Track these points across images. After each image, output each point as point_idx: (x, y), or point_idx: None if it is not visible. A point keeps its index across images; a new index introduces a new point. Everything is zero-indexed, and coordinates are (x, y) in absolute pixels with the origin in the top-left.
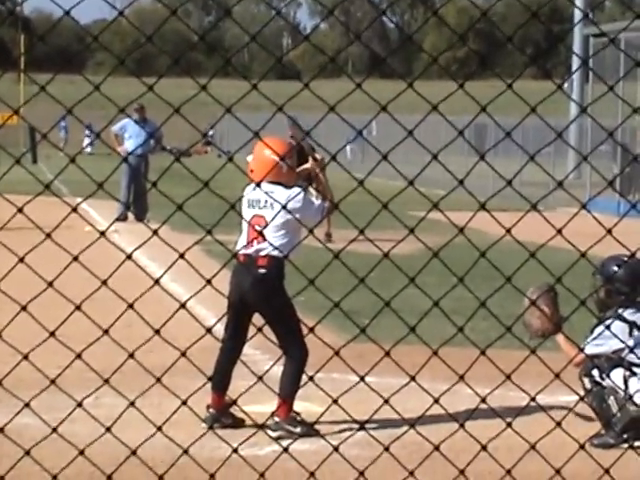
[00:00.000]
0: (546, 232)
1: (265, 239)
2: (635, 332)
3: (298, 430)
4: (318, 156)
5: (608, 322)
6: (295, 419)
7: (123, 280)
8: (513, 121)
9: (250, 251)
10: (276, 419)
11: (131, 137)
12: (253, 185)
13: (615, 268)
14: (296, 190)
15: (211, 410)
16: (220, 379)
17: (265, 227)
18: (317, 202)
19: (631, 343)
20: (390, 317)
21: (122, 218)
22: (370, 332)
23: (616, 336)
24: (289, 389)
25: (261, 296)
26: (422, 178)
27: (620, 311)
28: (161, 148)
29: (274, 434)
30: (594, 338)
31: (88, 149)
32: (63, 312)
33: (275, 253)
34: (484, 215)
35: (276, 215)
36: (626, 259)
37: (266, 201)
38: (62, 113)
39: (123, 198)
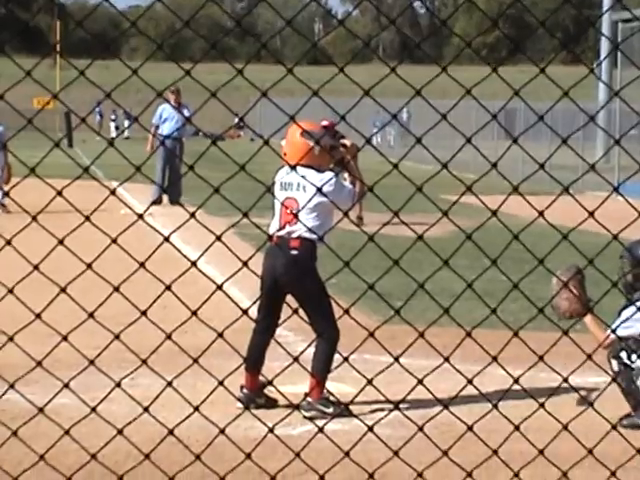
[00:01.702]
0: (575, 215)
1: (297, 221)
2: None
3: (331, 410)
4: (347, 142)
5: (637, 305)
6: (328, 399)
7: (159, 262)
8: (542, 105)
9: (282, 233)
10: (309, 399)
11: (166, 120)
12: (286, 168)
13: None
14: (328, 174)
15: (245, 390)
16: (254, 360)
17: (298, 210)
18: (349, 187)
19: None
20: (421, 299)
21: (157, 201)
22: (402, 314)
23: None
24: (321, 370)
25: (293, 277)
26: (453, 162)
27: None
28: (195, 132)
29: (307, 414)
30: (623, 321)
31: (126, 133)
32: (100, 294)
33: (307, 235)
34: (514, 199)
35: (310, 198)
36: None
37: (299, 184)
38: (97, 98)
39: (158, 181)
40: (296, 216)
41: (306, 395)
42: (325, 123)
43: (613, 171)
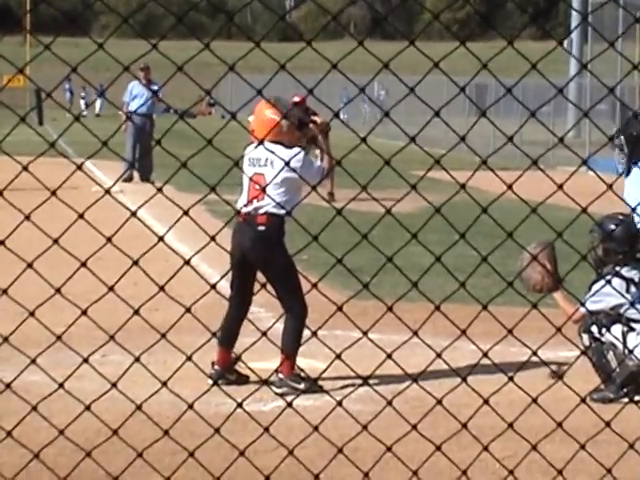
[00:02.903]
0: (547, 190)
1: (265, 197)
2: (632, 289)
3: (302, 386)
4: (318, 119)
5: (606, 279)
6: (299, 375)
7: (130, 239)
8: (512, 81)
9: (250, 209)
10: (280, 376)
11: (136, 97)
12: (254, 144)
13: (612, 227)
14: (296, 150)
15: (216, 367)
16: (226, 335)
17: (265, 185)
18: (317, 163)
19: (629, 299)
20: (392, 275)
21: (128, 178)
22: (373, 290)
23: (617, 291)
24: (291, 346)
25: (260, 254)
26: (424, 138)
27: (617, 268)
28: (166, 109)
29: (279, 390)
30: (592, 294)
31: (97, 110)
32: (71, 270)
33: (274, 211)
34: (485, 175)
35: (278, 174)
36: (622, 218)
37: (267, 159)
38: (66, 76)
39: (128, 158)
40: (264, 191)
41: (276, 371)
42: (297, 99)
43: (584, 146)
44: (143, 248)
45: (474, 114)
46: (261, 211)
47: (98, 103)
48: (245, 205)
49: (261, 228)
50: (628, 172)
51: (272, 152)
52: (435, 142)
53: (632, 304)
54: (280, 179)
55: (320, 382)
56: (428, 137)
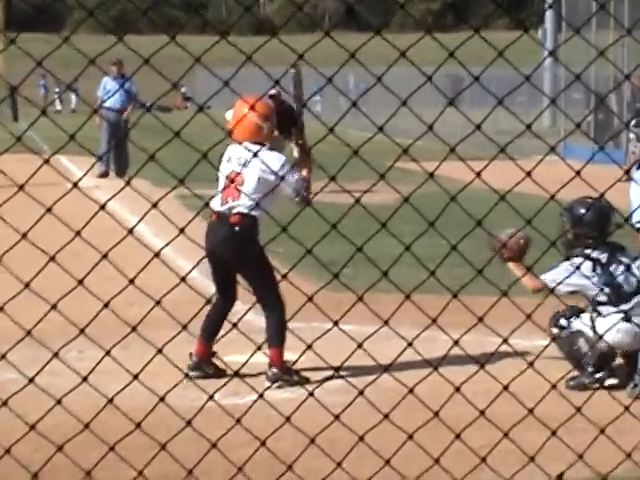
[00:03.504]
0: (519, 179)
1: (240, 197)
2: (599, 270)
3: (296, 378)
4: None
5: (575, 260)
6: (290, 368)
7: (108, 235)
8: (487, 72)
9: (224, 208)
10: (273, 370)
11: (109, 92)
12: (236, 144)
13: (582, 211)
14: (279, 155)
15: (194, 357)
16: (207, 329)
17: (242, 185)
18: (297, 175)
19: (596, 281)
20: (368, 267)
21: (103, 174)
22: (349, 282)
23: (585, 276)
24: (276, 338)
25: (234, 253)
26: (398, 129)
27: (587, 251)
28: (140, 104)
29: (275, 385)
30: (553, 267)
31: (72, 105)
32: (47, 266)
33: (247, 211)
34: (458, 164)
35: (257, 176)
36: (592, 202)
37: (247, 160)
38: (42, 72)
39: (104, 154)
40: (239, 191)
41: (269, 366)
42: (273, 92)
43: (559, 135)
44: (121, 243)
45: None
46: (234, 211)
47: (74, 99)
48: (220, 204)
49: (235, 228)
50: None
51: (252, 154)
52: (410, 133)
53: (598, 285)
54: (259, 181)
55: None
56: (402, 128)
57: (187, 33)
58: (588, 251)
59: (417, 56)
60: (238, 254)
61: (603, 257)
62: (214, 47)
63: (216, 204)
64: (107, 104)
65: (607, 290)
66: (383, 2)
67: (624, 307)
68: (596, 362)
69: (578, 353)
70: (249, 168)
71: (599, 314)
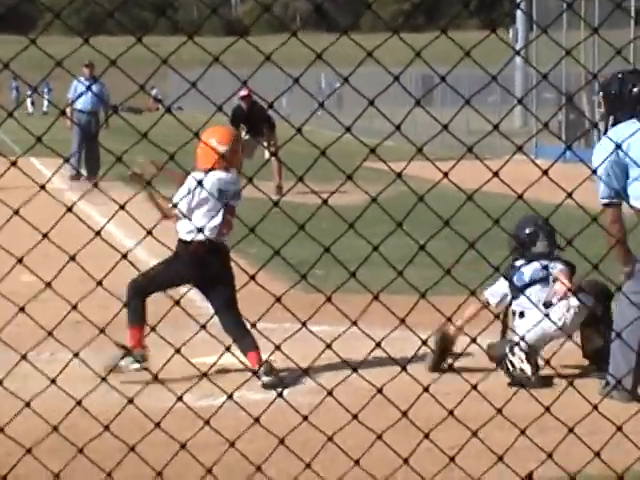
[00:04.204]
0: (493, 180)
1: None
2: (515, 276)
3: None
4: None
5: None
6: (270, 366)
7: (79, 237)
8: (458, 71)
9: (224, 238)
10: (261, 371)
11: (80, 95)
12: (224, 175)
13: (519, 225)
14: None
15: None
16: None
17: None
18: None
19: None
20: (340, 268)
21: (75, 176)
22: (321, 283)
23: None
24: (241, 340)
25: (225, 276)
26: (372, 130)
27: (515, 263)
28: (111, 107)
29: (269, 384)
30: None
31: (44, 108)
32: (17, 268)
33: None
34: (430, 165)
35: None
36: (527, 218)
37: (235, 192)
38: (11, 74)
39: (74, 156)
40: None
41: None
42: (244, 93)
43: (531, 135)
44: (95, 244)
45: (424, 104)
46: (226, 241)
47: (45, 101)
48: (222, 234)
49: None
50: (605, 131)
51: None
52: (383, 134)
53: (520, 290)
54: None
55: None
56: (377, 129)
57: (158, 34)
58: (517, 262)
59: (390, 56)
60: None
61: (521, 263)
62: (186, 48)
63: (214, 229)
64: (78, 106)
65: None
66: (353, 2)
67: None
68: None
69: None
70: (238, 200)
71: (521, 316)
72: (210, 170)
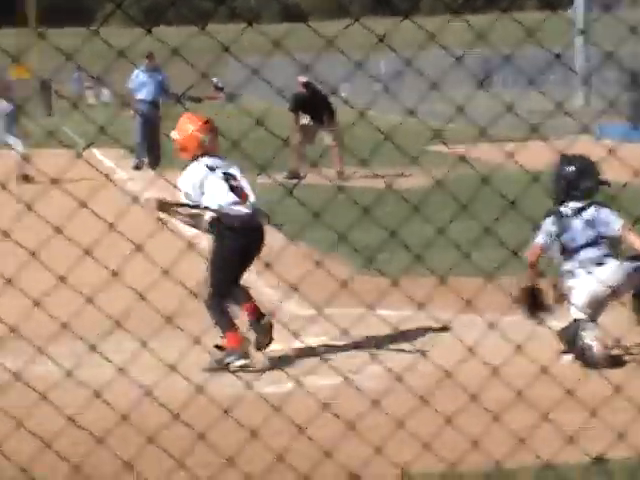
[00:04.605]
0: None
1: (249, 198)
2: (558, 223)
3: (232, 359)
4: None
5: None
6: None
7: (143, 227)
8: (522, 53)
9: (251, 209)
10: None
11: (142, 85)
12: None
13: (561, 167)
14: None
15: (240, 350)
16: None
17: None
18: None
19: (553, 231)
20: (403, 251)
21: (137, 166)
22: (386, 267)
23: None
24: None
25: (263, 245)
26: (435, 113)
27: (559, 207)
28: (173, 96)
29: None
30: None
31: (106, 98)
32: (82, 260)
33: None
34: (492, 146)
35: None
36: (570, 157)
37: (227, 164)
38: (74, 66)
39: (138, 147)
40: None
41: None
42: (303, 79)
43: (593, 114)
44: (160, 235)
45: (483, 87)
46: (254, 209)
47: (106, 92)
48: (243, 204)
49: (263, 223)
50: None
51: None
52: (445, 116)
53: (558, 236)
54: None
55: (336, 361)
56: (439, 112)
57: (215, 22)
58: (562, 207)
59: (451, 39)
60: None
61: (568, 210)
62: (244, 35)
63: (233, 198)
64: (140, 96)
65: (559, 241)
66: None
67: (569, 265)
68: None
69: (575, 340)
70: (237, 171)
71: (573, 275)
72: (195, 158)
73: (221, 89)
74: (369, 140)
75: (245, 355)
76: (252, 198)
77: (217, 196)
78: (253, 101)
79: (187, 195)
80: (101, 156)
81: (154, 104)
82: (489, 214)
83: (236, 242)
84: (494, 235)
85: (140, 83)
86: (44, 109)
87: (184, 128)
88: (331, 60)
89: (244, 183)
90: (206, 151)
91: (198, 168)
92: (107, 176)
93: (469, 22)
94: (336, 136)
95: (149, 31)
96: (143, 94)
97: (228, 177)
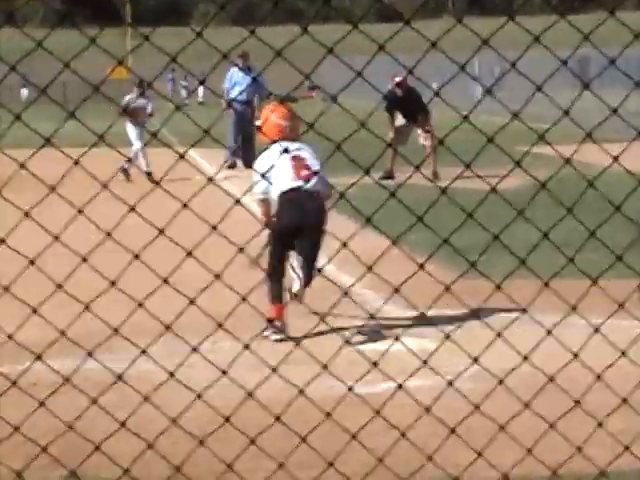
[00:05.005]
0: None
1: (313, 177)
2: None
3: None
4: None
5: None
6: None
7: (235, 225)
8: (615, 53)
9: (308, 186)
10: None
11: (235, 84)
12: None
13: None
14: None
15: (277, 322)
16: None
17: (310, 168)
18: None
19: None
20: (502, 253)
21: (231, 165)
22: (482, 268)
23: None
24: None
25: (322, 220)
26: (528, 114)
27: None
28: (267, 95)
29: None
30: None
31: (199, 98)
32: (179, 260)
33: (320, 188)
34: (591, 148)
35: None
36: None
37: (298, 147)
38: (170, 66)
39: (231, 145)
40: (311, 173)
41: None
42: (398, 79)
43: None
44: (248, 233)
45: (578, 87)
46: (316, 187)
47: (201, 91)
48: (297, 183)
49: (322, 200)
50: None
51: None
52: (540, 118)
53: None
54: (316, 161)
55: (431, 361)
56: (532, 113)
57: (310, 22)
58: None
59: (546, 38)
60: (323, 220)
61: None
62: (340, 36)
63: (289, 184)
64: (234, 95)
65: None
66: None
67: None
68: None
69: None
70: (305, 152)
71: None
72: (274, 142)
73: (315, 87)
74: (464, 141)
75: (281, 330)
76: (313, 181)
77: (281, 179)
78: (348, 100)
79: (259, 179)
80: (195, 155)
81: (247, 103)
82: (589, 216)
83: (286, 217)
84: (597, 238)
85: (235, 82)
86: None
87: (267, 116)
88: (428, 60)
89: (312, 165)
90: (284, 136)
91: (270, 152)
92: (210, 179)
93: (571, 22)
94: (431, 136)
95: (252, 32)
96: (236, 93)
97: (296, 160)
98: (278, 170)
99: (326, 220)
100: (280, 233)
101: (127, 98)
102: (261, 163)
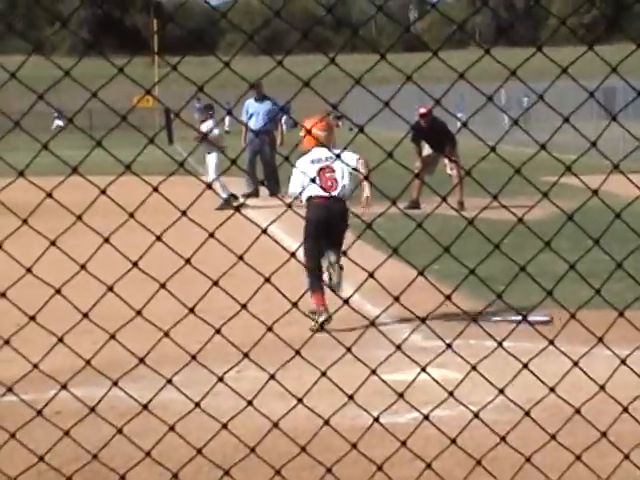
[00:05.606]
0: None
1: (339, 185)
2: None
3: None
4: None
5: None
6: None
7: (260, 255)
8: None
9: (335, 193)
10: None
11: (252, 115)
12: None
13: None
14: (353, 154)
15: (321, 308)
16: (319, 282)
17: (337, 176)
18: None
19: None
20: (524, 283)
21: (253, 194)
22: (505, 298)
23: None
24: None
25: (344, 220)
26: (553, 144)
27: None
28: (294, 123)
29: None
30: None
31: (226, 127)
32: (204, 289)
33: (342, 194)
34: (616, 179)
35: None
36: None
37: (327, 157)
38: (198, 95)
39: (249, 175)
40: (336, 181)
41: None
42: (423, 110)
43: None
44: (274, 263)
45: (602, 118)
46: (341, 194)
47: (227, 120)
48: (326, 190)
49: (345, 204)
50: None
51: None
52: (564, 148)
53: None
54: (345, 172)
55: (456, 391)
56: (558, 143)
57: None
58: None
59: (571, 69)
60: (346, 220)
61: None
62: (366, 66)
63: (318, 191)
64: (251, 126)
65: None
66: (533, 16)
67: None
68: None
69: None
70: (336, 165)
71: None
72: (309, 150)
73: (341, 117)
74: (489, 171)
75: (323, 312)
76: (338, 189)
77: (310, 186)
78: (374, 129)
79: (293, 187)
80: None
81: (266, 133)
82: (613, 246)
83: (314, 217)
84: (623, 268)
85: (251, 114)
86: (166, 137)
87: (305, 126)
88: (452, 89)
89: (338, 175)
90: (319, 144)
91: (301, 162)
92: (237, 208)
93: (597, 53)
94: (457, 166)
95: (279, 63)
96: (253, 124)
97: (323, 170)
98: (308, 178)
99: (348, 218)
100: (309, 230)
101: (209, 124)
102: (298, 168)
